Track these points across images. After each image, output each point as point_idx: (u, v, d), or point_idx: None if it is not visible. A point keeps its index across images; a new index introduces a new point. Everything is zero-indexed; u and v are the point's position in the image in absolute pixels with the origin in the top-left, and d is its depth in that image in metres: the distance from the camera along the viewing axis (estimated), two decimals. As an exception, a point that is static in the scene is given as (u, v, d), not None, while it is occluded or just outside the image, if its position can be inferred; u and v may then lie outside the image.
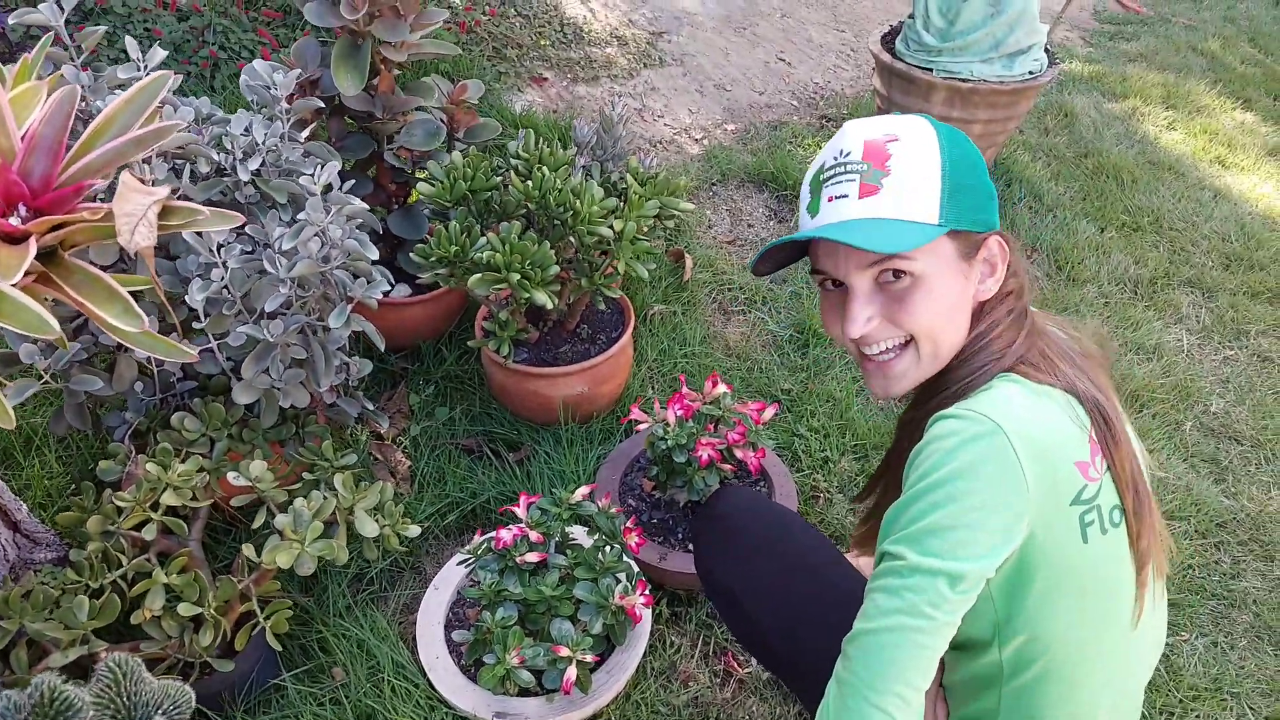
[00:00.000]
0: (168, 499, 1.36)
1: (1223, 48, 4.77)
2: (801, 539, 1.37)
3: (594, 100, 3.48)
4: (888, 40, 3.13)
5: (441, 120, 2.17)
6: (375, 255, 1.46)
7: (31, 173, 1.07)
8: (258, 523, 1.45)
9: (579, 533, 1.67)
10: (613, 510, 1.57)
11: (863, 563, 1.47)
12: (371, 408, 1.77)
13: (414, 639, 1.59)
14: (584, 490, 1.57)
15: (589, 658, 1.43)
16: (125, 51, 1.70)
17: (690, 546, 1.77)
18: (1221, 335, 2.70)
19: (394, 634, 1.62)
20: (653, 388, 2.22)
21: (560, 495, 1.54)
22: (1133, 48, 4.73)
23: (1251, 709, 1.69)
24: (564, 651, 1.41)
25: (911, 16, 2.96)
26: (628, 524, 1.56)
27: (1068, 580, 0.93)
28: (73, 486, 1.49)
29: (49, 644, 1.29)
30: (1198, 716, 1.66)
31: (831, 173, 0.99)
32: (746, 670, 1.67)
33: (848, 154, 0.98)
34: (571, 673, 1.41)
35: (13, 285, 0.95)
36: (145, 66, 1.50)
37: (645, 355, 2.28)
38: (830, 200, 0.98)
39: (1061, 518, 0.91)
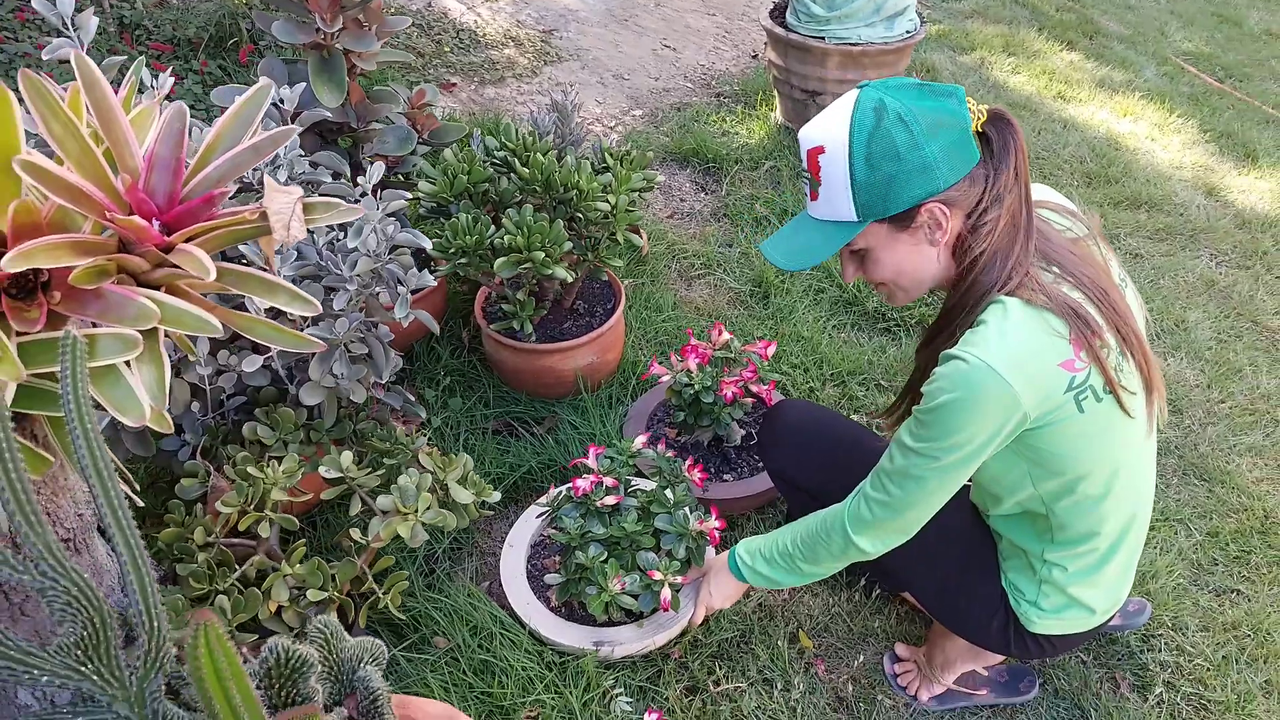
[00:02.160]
0: (276, 496, 1.43)
1: (1039, -1, 5.34)
2: (845, 425, 1.65)
3: (504, 100, 3.60)
4: (776, 15, 3.41)
5: (407, 125, 2.27)
6: (430, 244, 1.57)
7: (156, 190, 1.14)
8: (354, 509, 1.53)
9: (639, 482, 1.82)
10: (669, 454, 1.74)
11: None
12: (413, 400, 1.86)
13: (501, 596, 1.71)
14: (642, 439, 1.73)
15: (679, 579, 1.59)
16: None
17: (724, 478, 1.97)
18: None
19: (482, 595, 1.73)
20: (643, 351, 2.39)
21: (623, 445, 1.70)
22: (965, 6, 5.22)
23: (1192, 527, 2.03)
24: (657, 575, 1.58)
25: (798, -9, 3.24)
26: (686, 464, 1.72)
27: (1072, 437, 1.20)
28: (161, 507, 1.52)
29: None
30: (1158, 541, 1.98)
31: (803, 176, 1.28)
32: (793, 576, 1.88)
33: (803, 163, 1.27)
34: (666, 593, 1.57)
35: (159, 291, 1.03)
36: (157, 91, 1.55)
37: (631, 325, 2.44)
38: (808, 198, 1.30)
39: (1057, 404, 1.16)
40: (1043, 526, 1.33)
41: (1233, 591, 1.90)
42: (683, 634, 1.70)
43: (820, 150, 1.21)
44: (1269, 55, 4.83)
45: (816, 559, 1.41)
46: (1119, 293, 1.25)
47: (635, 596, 1.59)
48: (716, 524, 1.64)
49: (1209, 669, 1.73)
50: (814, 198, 1.26)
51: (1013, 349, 1.13)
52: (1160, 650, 1.76)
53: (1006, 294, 1.18)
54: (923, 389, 1.21)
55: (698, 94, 3.93)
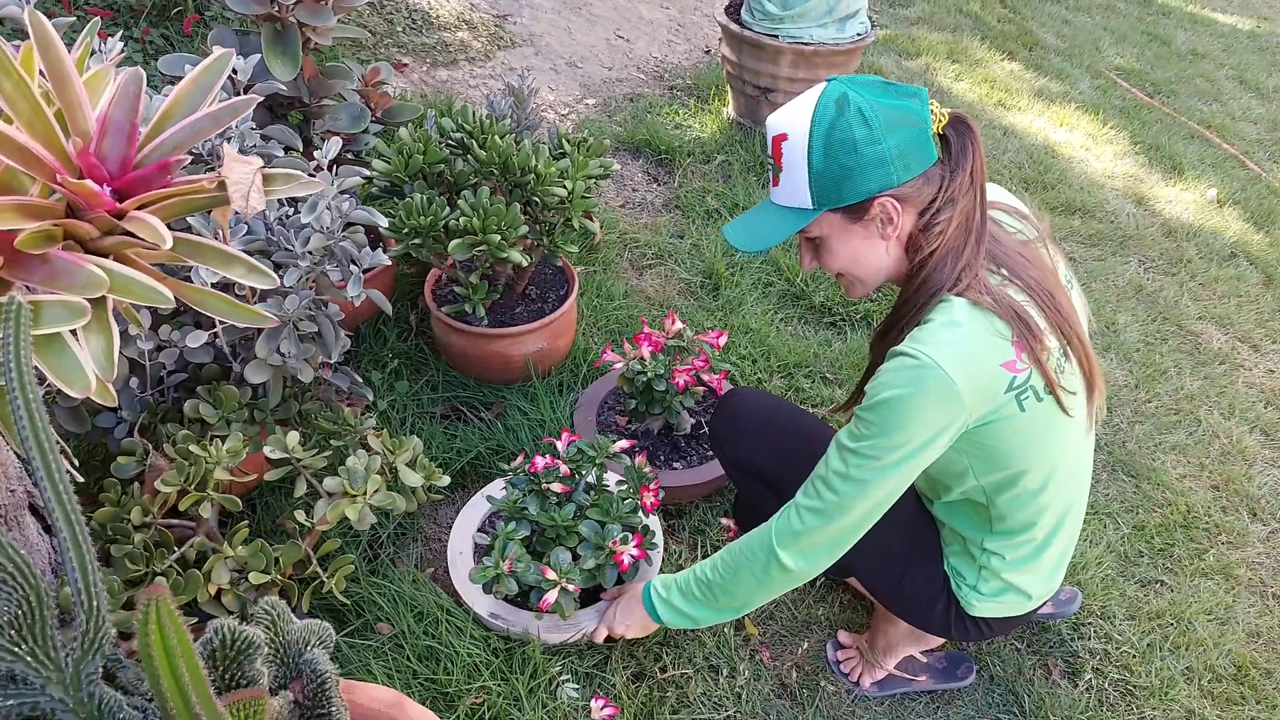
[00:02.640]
0: (219, 476, 1.39)
1: (981, 9, 5.47)
2: (799, 415, 1.67)
3: (456, 83, 3.55)
4: (731, 11, 3.43)
5: (360, 103, 2.22)
6: (385, 222, 1.54)
7: (108, 155, 1.10)
8: (299, 491, 1.50)
9: (612, 480, 1.80)
10: (645, 470, 1.70)
11: None
12: (360, 381, 1.83)
13: (446, 582, 1.69)
14: (623, 444, 1.70)
15: (573, 588, 1.56)
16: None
17: (673, 466, 1.98)
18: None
19: (426, 581, 1.71)
20: (594, 339, 2.38)
21: (601, 442, 1.67)
22: (911, 13, 5.32)
23: (1120, 521, 2.12)
24: (550, 575, 1.55)
25: (754, -12, 3.26)
26: (652, 484, 1.68)
27: (1013, 434, 1.24)
28: (96, 486, 1.46)
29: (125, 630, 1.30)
30: (1089, 534, 2.06)
31: (767, 162, 1.27)
32: (740, 564, 1.90)
33: (768, 149, 1.29)
34: (550, 596, 1.54)
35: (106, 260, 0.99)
36: (106, 57, 1.49)
37: (582, 313, 2.44)
38: (770, 183, 1.32)
39: (999, 403, 1.20)
40: (983, 516, 1.37)
41: (1157, 582, 1.98)
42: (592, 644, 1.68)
43: (784, 137, 1.24)
44: (1194, 74, 5.03)
45: (737, 582, 1.37)
46: (1065, 295, 1.29)
47: (529, 587, 1.58)
48: (634, 552, 1.59)
49: (1135, 656, 1.80)
50: (775, 183, 1.29)
51: (957, 347, 1.16)
52: (1090, 638, 1.83)
53: (955, 294, 1.21)
54: (866, 388, 1.24)
55: (650, 85, 3.93)
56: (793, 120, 1.23)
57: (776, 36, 3.20)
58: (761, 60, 3.25)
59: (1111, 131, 4.11)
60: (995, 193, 1.38)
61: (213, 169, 1.71)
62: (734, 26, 3.28)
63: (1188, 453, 2.35)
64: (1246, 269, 3.24)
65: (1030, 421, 1.23)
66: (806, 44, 3.19)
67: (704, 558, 1.88)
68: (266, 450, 1.48)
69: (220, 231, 1.19)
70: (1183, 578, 1.99)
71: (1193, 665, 1.80)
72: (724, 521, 1.95)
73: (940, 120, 1.23)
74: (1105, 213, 3.46)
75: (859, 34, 3.31)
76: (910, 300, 1.27)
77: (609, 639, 1.60)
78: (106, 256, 1.05)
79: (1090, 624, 1.86)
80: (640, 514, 1.64)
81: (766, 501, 1.54)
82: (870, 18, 3.44)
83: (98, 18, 1.20)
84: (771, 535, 1.32)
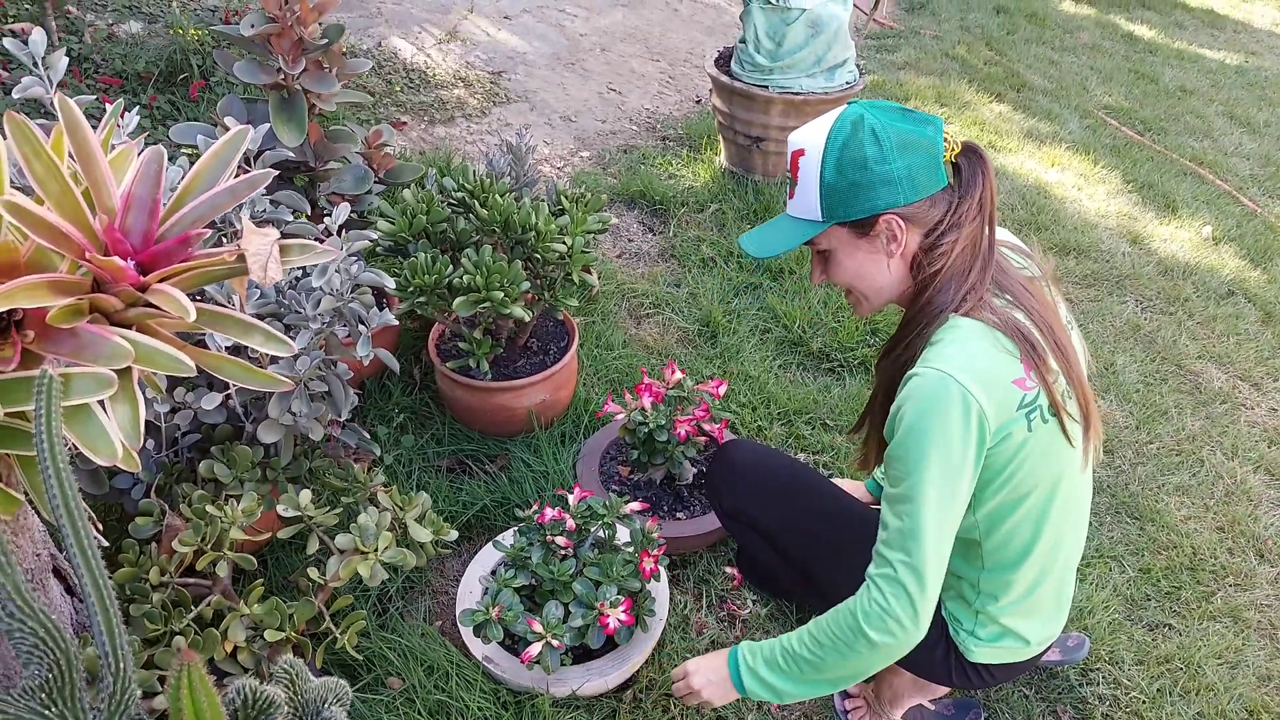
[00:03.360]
0: (234, 535, 1.42)
1: (968, 52, 5.60)
2: (797, 468, 1.68)
3: (454, 140, 3.64)
4: (721, 63, 3.52)
5: (364, 165, 2.29)
6: (392, 284, 1.59)
7: (132, 230, 1.15)
8: (311, 548, 1.53)
9: (625, 537, 1.78)
10: (654, 534, 1.68)
11: (845, 483, 1.81)
12: (367, 437, 1.86)
13: (455, 635, 1.70)
14: (635, 506, 1.71)
15: (557, 644, 1.54)
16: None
17: (676, 517, 2.00)
18: (1030, 285, 3.26)
19: (436, 635, 1.73)
20: (595, 389, 2.42)
21: (614, 502, 1.69)
22: (898, 58, 5.45)
23: (1126, 564, 2.13)
24: (536, 627, 1.54)
25: (743, 41, 3.35)
26: (655, 551, 1.66)
27: (1019, 455, 1.25)
28: (114, 547, 1.49)
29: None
30: (1094, 578, 2.07)
31: (785, 176, 1.33)
32: (746, 611, 1.91)
33: (787, 163, 1.35)
34: (533, 649, 1.53)
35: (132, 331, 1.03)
36: (123, 129, 1.55)
37: (582, 363, 2.48)
38: (787, 196, 1.37)
39: (1011, 417, 1.23)
40: (975, 553, 1.38)
41: (1165, 626, 1.99)
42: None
43: (801, 153, 1.31)
44: (1183, 110, 5.13)
45: (825, 661, 1.29)
46: (1065, 332, 1.33)
47: (516, 637, 1.59)
48: (622, 616, 1.57)
49: (1144, 701, 1.80)
50: (791, 195, 1.36)
51: (970, 360, 1.20)
52: (1099, 684, 1.84)
53: (960, 315, 1.26)
54: (886, 427, 1.27)
55: (643, 137, 4.02)
56: (811, 137, 1.30)
57: (766, 87, 3.29)
58: (752, 110, 3.34)
59: (1103, 170, 4.19)
60: (1001, 234, 1.42)
61: (223, 232, 1.77)
62: (724, 78, 3.37)
63: (1191, 494, 2.37)
64: (1244, 306, 3.28)
65: (1036, 443, 1.26)
66: (796, 94, 3.28)
67: (709, 608, 1.90)
68: (280, 509, 1.51)
69: (238, 300, 1.23)
70: (1191, 621, 2.00)
71: (1203, 710, 1.80)
72: (728, 570, 1.97)
73: (954, 149, 1.29)
74: (1100, 252, 3.51)
75: (848, 83, 3.40)
76: (914, 319, 1.32)
77: (679, 693, 1.49)
78: (130, 328, 1.09)
79: (1099, 669, 1.86)
80: (638, 578, 1.64)
81: (762, 551, 1.56)
82: (858, 65, 3.53)
83: (120, 101, 1.26)
84: (857, 615, 1.25)
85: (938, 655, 1.47)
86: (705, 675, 1.43)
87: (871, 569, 1.26)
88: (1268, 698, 1.84)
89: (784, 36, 3.25)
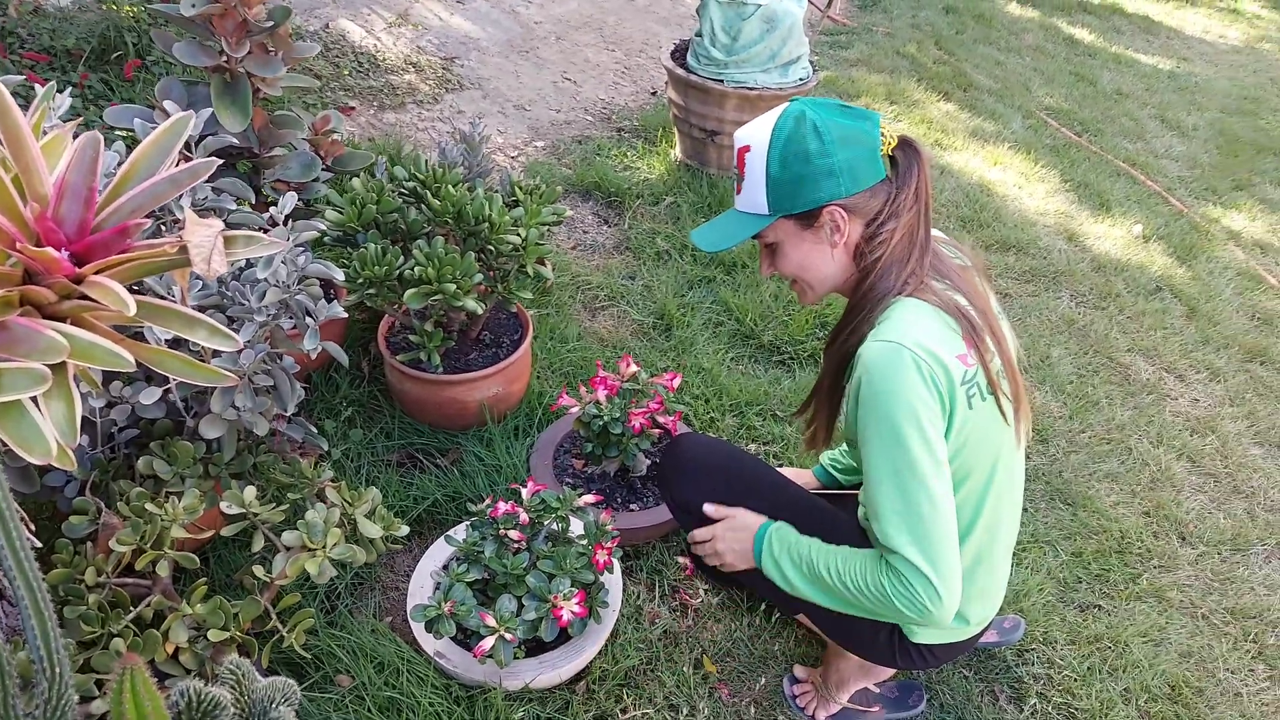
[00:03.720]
0: (175, 533, 1.39)
1: (918, 50, 5.69)
2: (746, 459, 1.70)
3: (404, 126, 3.58)
4: (677, 56, 3.52)
5: (310, 152, 2.24)
6: (341, 275, 1.56)
7: (66, 219, 1.11)
8: (257, 546, 1.50)
9: (578, 531, 1.78)
10: (608, 527, 1.68)
11: (793, 471, 1.88)
12: (314, 431, 1.83)
13: (406, 631, 1.69)
14: (590, 498, 1.71)
15: (511, 637, 1.53)
16: None
17: (630, 508, 2.01)
18: (974, 281, 3.34)
19: (386, 631, 1.71)
20: (548, 382, 2.41)
21: (567, 495, 1.69)
22: (850, 55, 5.51)
23: (1059, 548, 2.20)
24: (490, 621, 1.52)
25: (699, 35, 3.36)
26: (608, 543, 1.66)
27: (961, 433, 1.30)
28: (47, 547, 1.44)
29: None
30: (1030, 562, 2.13)
31: (732, 172, 1.35)
32: (698, 600, 1.93)
33: (734, 160, 1.39)
34: (486, 643, 1.51)
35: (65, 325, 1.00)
36: (54, 112, 1.49)
37: (536, 356, 2.46)
38: (735, 192, 1.40)
39: (956, 394, 1.27)
40: None
41: (1095, 607, 2.06)
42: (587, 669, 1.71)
43: (747, 149, 1.36)
44: (1119, 113, 5.29)
45: (844, 592, 1.36)
46: (996, 318, 1.38)
47: (468, 632, 1.59)
48: (576, 609, 1.57)
49: (1076, 679, 1.87)
50: (738, 191, 1.40)
51: (916, 332, 1.26)
52: (1033, 664, 1.89)
53: (903, 297, 1.31)
54: (847, 408, 1.33)
55: (598, 128, 4.00)
56: (756, 134, 1.34)
57: (722, 81, 3.30)
58: (708, 104, 3.34)
59: (1043, 170, 4.29)
60: (934, 232, 1.46)
61: (163, 221, 1.71)
62: (680, 71, 3.37)
63: (1120, 480, 2.46)
64: (1171, 302, 3.40)
65: (976, 422, 1.31)
66: (751, 88, 3.29)
67: (661, 598, 1.92)
68: (223, 506, 1.47)
69: (181, 293, 1.20)
70: (1119, 602, 2.08)
71: (1130, 687, 1.87)
72: (681, 560, 1.98)
73: (890, 142, 1.33)
74: (1038, 249, 3.61)
75: (801, 79, 3.42)
76: (858, 305, 1.36)
77: (702, 552, 1.59)
78: (65, 321, 1.06)
79: (1033, 650, 1.92)
80: (591, 571, 1.64)
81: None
82: (812, 62, 3.56)
83: (52, 83, 1.21)
84: (887, 590, 1.28)
85: (881, 638, 1.50)
86: (730, 544, 1.54)
87: (886, 547, 1.28)
88: (1188, 672, 1.93)
89: (739, 31, 3.26)
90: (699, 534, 1.59)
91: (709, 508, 1.59)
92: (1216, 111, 5.58)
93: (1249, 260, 3.83)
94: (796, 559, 1.44)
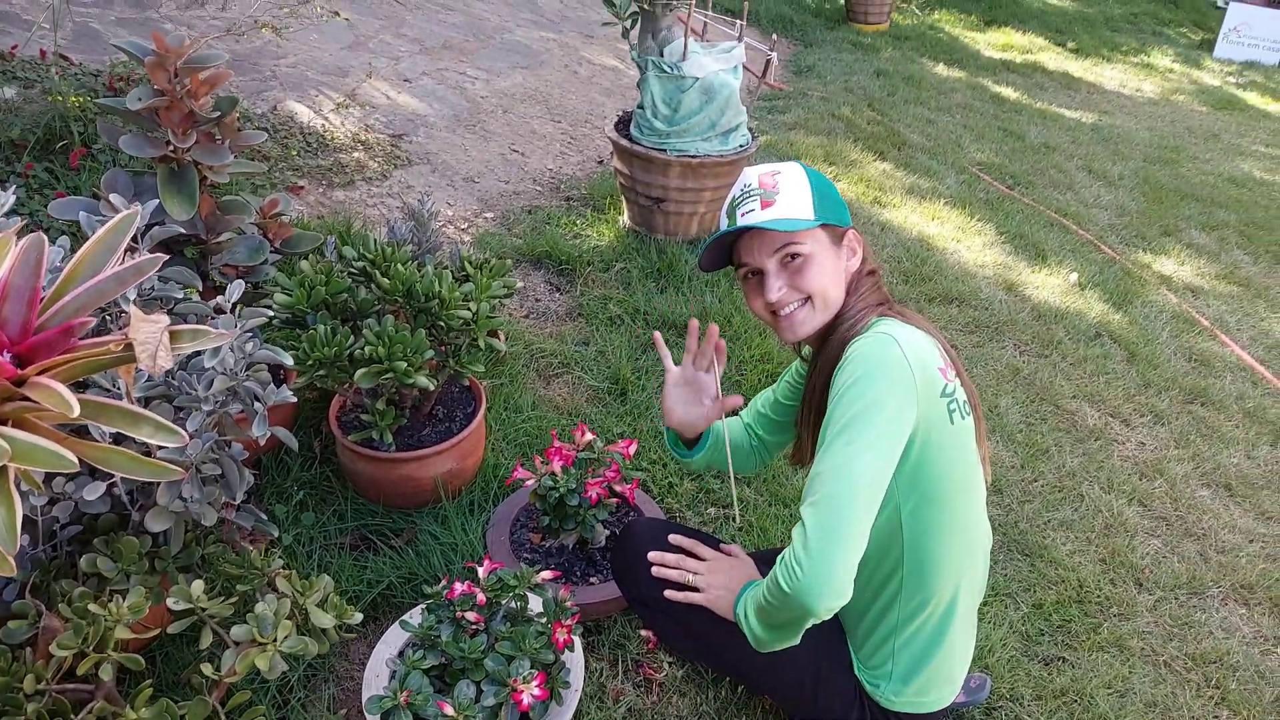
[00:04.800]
0: (119, 634, 1.34)
1: (852, 113, 5.90)
2: (696, 537, 1.70)
3: (354, 203, 3.60)
4: (620, 127, 3.61)
5: (259, 235, 2.24)
6: (290, 360, 1.55)
7: (9, 321, 1.10)
8: (205, 642, 1.45)
9: (537, 608, 1.73)
10: (567, 603, 1.64)
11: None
12: (264, 518, 1.79)
13: (367, 724, 1.64)
14: (548, 574, 1.68)
15: None
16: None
17: (590, 581, 1.99)
18: (920, 335, 3.42)
19: (344, 725, 1.66)
20: (504, 454, 2.40)
21: (525, 573, 1.67)
22: (788, 119, 5.69)
23: (1020, 600, 2.23)
24: (448, 710, 1.48)
25: (641, 107, 3.45)
26: (568, 620, 1.63)
27: (941, 450, 1.35)
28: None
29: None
30: (992, 616, 2.15)
31: (741, 198, 1.42)
32: (662, 675, 1.90)
33: (750, 185, 1.42)
34: None
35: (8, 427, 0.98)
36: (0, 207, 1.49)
37: (490, 427, 2.45)
38: (742, 215, 1.41)
39: (936, 405, 1.33)
40: (893, 566, 1.43)
41: (1059, 660, 2.08)
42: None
43: (776, 172, 1.43)
44: (1047, 165, 5.51)
45: (781, 606, 1.31)
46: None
47: None
48: (536, 691, 1.52)
49: (1043, 733, 1.88)
50: (766, 205, 1.39)
51: (906, 336, 1.32)
52: None
53: (887, 317, 1.40)
54: (831, 390, 1.35)
55: (547, 197, 4.06)
56: (780, 165, 1.44)
57: (665, 150, 3.39)
58: (651, 173, 3.42)
59: (979, 223, 4.44)
60: None
61: (108, 313, 1.69)
62: (624, 142, 3.45)
63: (1074, 528, 2.50)
64: (1111, 347, 3.51)
65: (955, 439, 1.36)
66: (693, 157, 3.38)
67: (625, 674, 1.89)
68: (170, 601, 1.43)
69: (126, 388, 1.18)
70: (1082, 653, 2.09)
71: (1097, 737, 1.88)
72: (643, 633, 1.96)
73: None
74: (979, 300, 3.71)
75: (741, 146, 3.53)
76: (838, 330, 1.43)
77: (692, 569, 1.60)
78: (5, 423, 1.04)
79: (1001, 707, 1.92)
80: (551, 650, 1.60)
81: (677, 638, 1.59)
82: (751, 129, 3.67)
83: (7, 192, 1.20)
84: (783, 561, 1.26)
85: (853, 717, 1.50)
86: (717, 591, 1.55)
87: (803, 507, 1.28)
88: (1155, 724, 1.94)
89: (679, 103, 3.36)
90: (695, 578, 1.59)
91: (671, 594, 1.60)
92: (1140, 160, 5.84)
93: (1181, 303, 3.98)
94: (756, 604, 1.40)
